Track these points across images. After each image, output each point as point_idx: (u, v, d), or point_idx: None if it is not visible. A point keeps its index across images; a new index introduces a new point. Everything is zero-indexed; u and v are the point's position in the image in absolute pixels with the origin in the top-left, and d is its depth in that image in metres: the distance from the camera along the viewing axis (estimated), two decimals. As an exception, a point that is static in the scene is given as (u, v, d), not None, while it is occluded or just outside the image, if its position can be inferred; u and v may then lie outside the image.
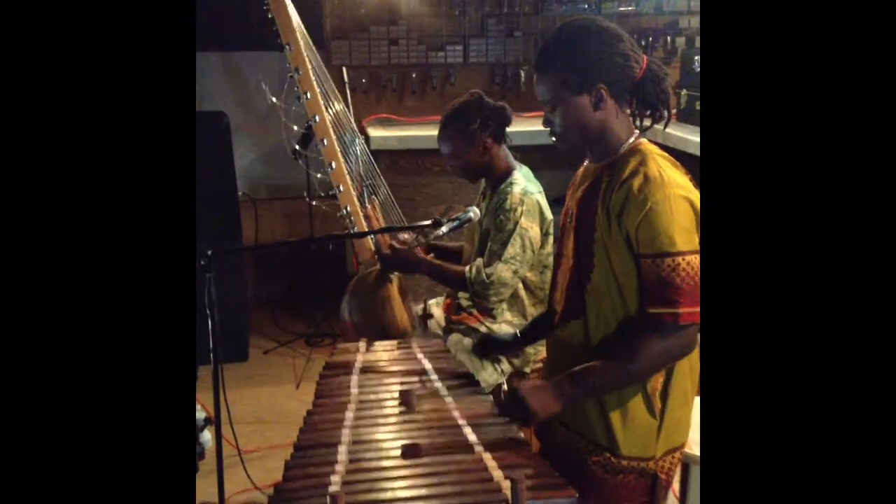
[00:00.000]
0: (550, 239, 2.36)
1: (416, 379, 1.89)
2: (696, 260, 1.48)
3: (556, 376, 1.71)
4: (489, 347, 2.11)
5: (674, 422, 1.60)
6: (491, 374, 2.37)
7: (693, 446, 1.81)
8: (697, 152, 3.15)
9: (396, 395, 1.79)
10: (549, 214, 2.36)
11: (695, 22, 4.32)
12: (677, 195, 1.49)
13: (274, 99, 2.70)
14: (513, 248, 2.25)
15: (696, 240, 1.50)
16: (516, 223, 2.26)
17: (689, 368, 1.60)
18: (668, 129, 3.37)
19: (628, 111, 1.60)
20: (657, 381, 1.57)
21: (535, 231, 2.29)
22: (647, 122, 1.60)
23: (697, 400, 1.71)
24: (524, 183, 2.34)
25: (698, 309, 1.48)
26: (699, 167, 1.16)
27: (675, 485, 2.11)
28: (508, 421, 1.66)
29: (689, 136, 3.30)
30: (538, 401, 1.54)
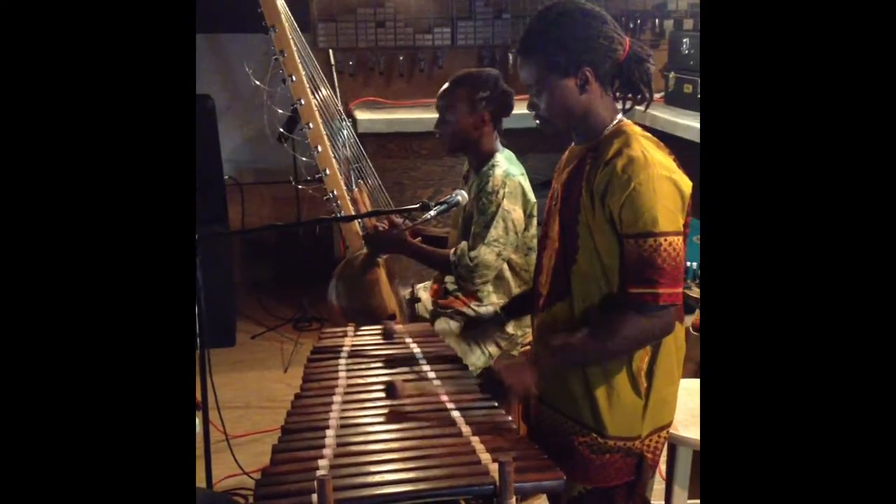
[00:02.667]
0: (534, 221, 2.36)
1: (404, 363, 1.89)
2: (678, 241, 1.49)
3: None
4: (474, 328, 2.11)
5: (659, 401, 1.61)
6: (479, 358, 2.37)
7: (680, 427, 1.82)
8: (685, 135, 3.15)
9: (384, 378, 1.79)
10: (532, 197, 2.35)
11: (683, 4, 4.31)
12: (661, 175, 1.49)
13: (258, 82, 2.67)
14: (496, 231, 2.25)
15: (680, 221, 1.51)
16: (499, 206, 2.25)
17: (674, 348, 1.61)
18: (656, 113, 3.40)
19: (611, 93, 1.60)
20: (642, 360, 1.58)
21: (518, 213, 2.28)
22: (628, 104, 1.61)
23: (683, 382, 1.72)
24: (506, 165, 2.33)
25: (679, 290, 1.49)
26: (697, 154, 1.16)
27: (662, 466, 2.12)
28: (496, 406, 1.67)
29: (677, 119, 3.30)
30: (514, 376, 1.58)
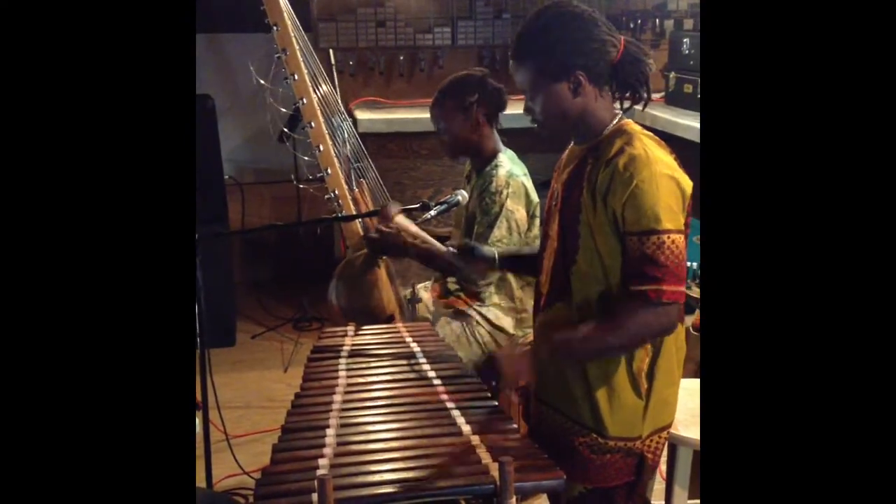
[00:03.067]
0: (537, 221, 2.36)
1: (404, 363, 1.89)
2: (680, 239, 1.49)
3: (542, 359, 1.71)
4: (467, 259, 2.00)
5: (660, 402, 1.61)
6: (479, 357, 2.37)
7: (680, 427, 1.82)
8: (686, 135, 3.15)
9: (384, 378, 1.79)
10: (534, 197, 2.35)
11: (683, 4, 4.31)
12: (663, 173, 1.49)
13: (261, 81, 2.67)
14: (499, 231, 2.25)
15: (681, 219, 1.51)
16: (502, 206, 2.25)
17: (675, 348, 1.61)
18: (656, 113, 3.40)
19: (608, 93, 1.59)
20: (643, 361, 1.57)
21: (521, 213, 2.29)
22: (626, 104, 1.60)
23: (683, 382, 1.72)
24: (509, 165, 2.33)
25: (682, 288, 1.49)
26: (697, 154, 1.15)
27: (662, 466, 2.13)
28: (496, 405, 1.67)
29: (678, 119, 3.29)
30: (512, 366, 1.58)
